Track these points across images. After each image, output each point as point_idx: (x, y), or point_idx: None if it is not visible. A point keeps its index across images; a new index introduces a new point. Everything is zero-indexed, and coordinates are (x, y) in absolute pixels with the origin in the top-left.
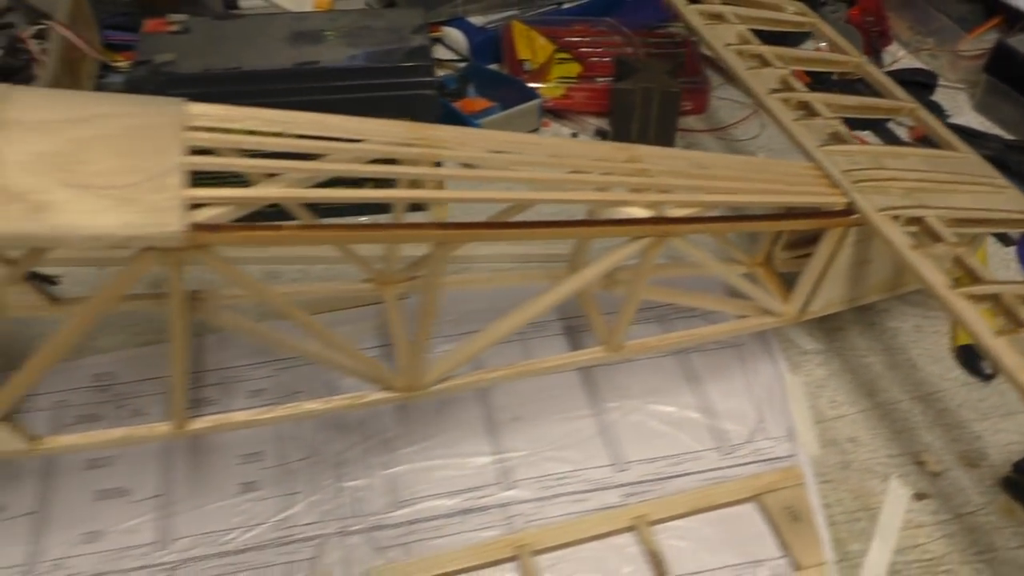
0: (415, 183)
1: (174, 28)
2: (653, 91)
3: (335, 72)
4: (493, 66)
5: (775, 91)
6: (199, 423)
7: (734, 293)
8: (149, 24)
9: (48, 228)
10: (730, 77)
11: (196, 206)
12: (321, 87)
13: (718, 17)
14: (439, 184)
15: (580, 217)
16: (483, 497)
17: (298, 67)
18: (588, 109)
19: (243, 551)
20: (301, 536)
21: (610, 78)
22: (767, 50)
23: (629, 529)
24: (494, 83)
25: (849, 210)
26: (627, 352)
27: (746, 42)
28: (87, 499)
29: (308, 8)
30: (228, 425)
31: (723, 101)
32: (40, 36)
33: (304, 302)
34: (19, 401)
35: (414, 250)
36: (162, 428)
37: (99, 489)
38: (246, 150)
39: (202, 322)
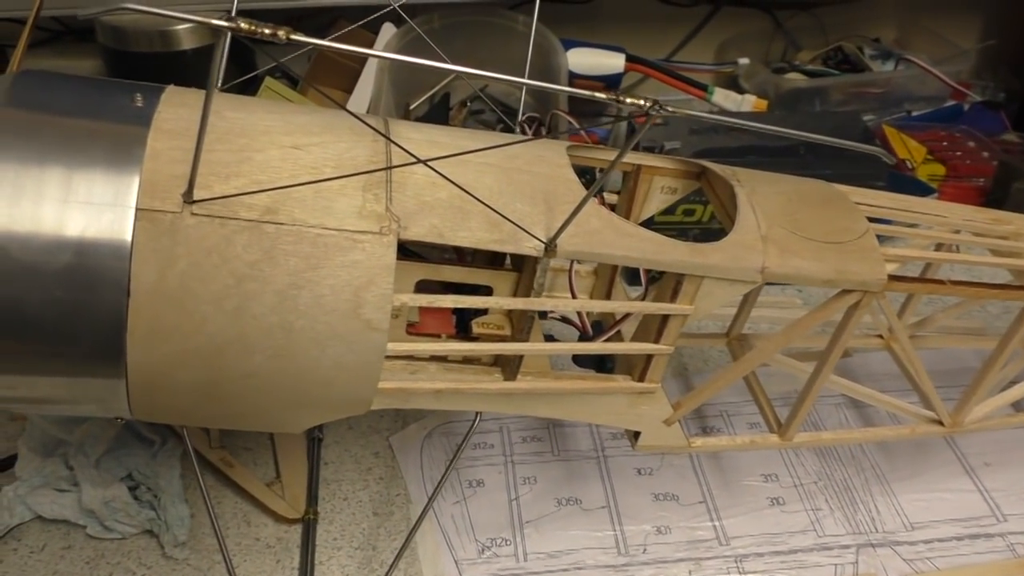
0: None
1: (659, 121)
2: None
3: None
4: None
5: None
6: (799, 437)
7: None
8: (640, 118)
9: (793, 269)
10: None
11: None
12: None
13: None
14: None
15: None
16: (983, 526)
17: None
18: None
19: (794, 552)
20: (838, 544)
21: (980, 178)
22: None
23: None
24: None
25: None
26: None
27: None
28: (647, 500)
29: (747, 108)
30: (818, 441)
31: None
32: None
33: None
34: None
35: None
36: (773, 439)
37: (654, 492)
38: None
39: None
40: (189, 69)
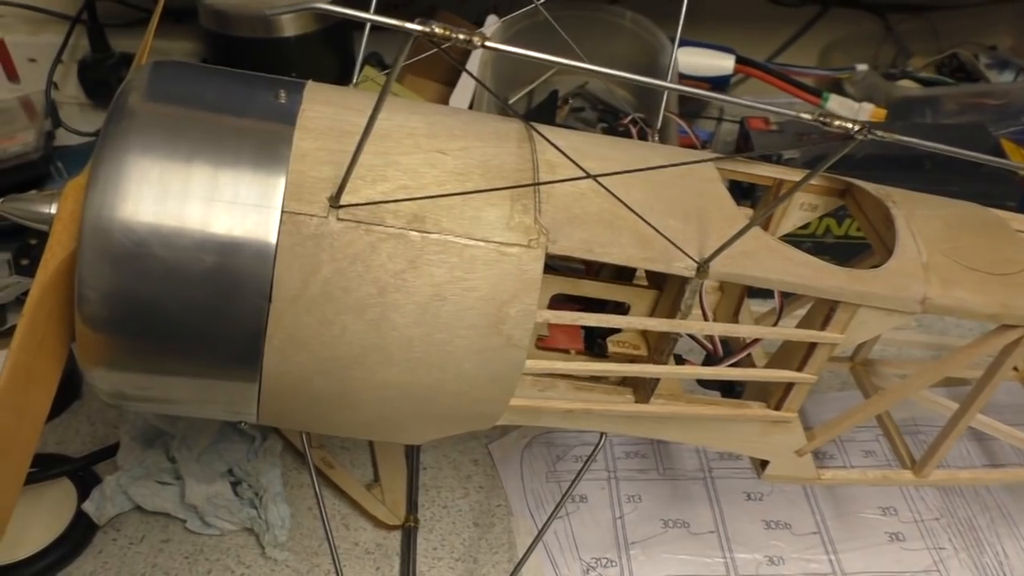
0: None
1: (773, 127)
2: None
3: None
4: None
5: None
6: (935, 475)
7: None
8: (752, 121)
9: (956, 301)
10: None
11: None
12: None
13: None
14: None
15: None
16: None
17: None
18: None
19: None
20: None
21: None
22: None
23: None
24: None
25: None
26: None
27: None
28: (758, 527)
29: (864, 118)
30: (955, 480)
31: None
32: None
33: None
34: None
35: None
36: (907, 475)
37: (765, 519)
38: None
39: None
40: (291, 56)
